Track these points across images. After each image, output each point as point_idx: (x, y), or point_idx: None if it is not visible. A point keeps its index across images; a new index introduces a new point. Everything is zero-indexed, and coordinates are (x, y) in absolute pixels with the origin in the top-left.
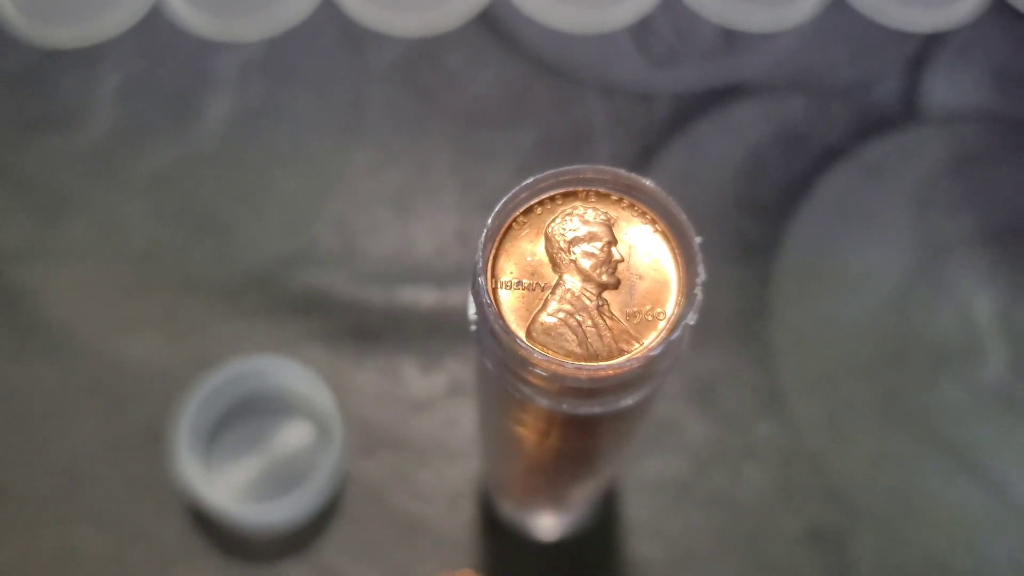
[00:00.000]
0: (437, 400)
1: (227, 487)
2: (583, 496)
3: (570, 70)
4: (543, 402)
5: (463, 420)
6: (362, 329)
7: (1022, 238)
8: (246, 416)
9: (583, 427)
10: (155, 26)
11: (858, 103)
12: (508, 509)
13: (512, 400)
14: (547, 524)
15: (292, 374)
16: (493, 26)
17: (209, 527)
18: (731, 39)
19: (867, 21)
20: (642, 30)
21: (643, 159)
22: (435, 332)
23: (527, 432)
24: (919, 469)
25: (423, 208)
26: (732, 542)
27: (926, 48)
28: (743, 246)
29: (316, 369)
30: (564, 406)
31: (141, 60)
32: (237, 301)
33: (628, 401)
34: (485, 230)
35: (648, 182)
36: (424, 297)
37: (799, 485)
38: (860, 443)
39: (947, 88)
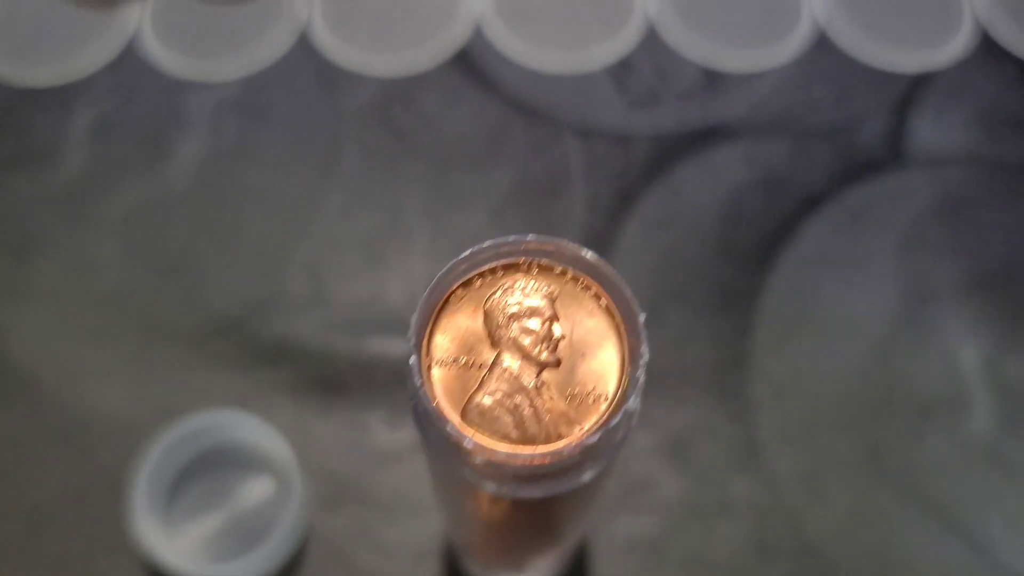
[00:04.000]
0: (404, 454)
1: (187, 544)
2: (546, 562)
3: (547, 111)
4: (486, 485)
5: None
6: (330, 380)
7: (1010, 285)
8: (207, 471)
9: (534, 506)
10: (128, 65)
11: (842, 146)
12: (474, 569)
13: (458, 480)
14: None
15: (253, 428)
16: (470, 66)
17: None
18: (712, 80)
19: (852, 62)
20: (621, 70)
21: (621, 203)
22: (403, 384)
23: (478, 508)
24: (900, 527)
25: (395, 254)
26: None
27: (912, 90)
28: (722, 294)
29: (281, 421)
30: (505, 490)
31: (114, 99)
32: (204, 348)
33: (572, 484)
34: (420, 304)
35: (591, 254)
36: (393, 347)
37: (775, 543)
38: (839, 499)
39: (933, 131)
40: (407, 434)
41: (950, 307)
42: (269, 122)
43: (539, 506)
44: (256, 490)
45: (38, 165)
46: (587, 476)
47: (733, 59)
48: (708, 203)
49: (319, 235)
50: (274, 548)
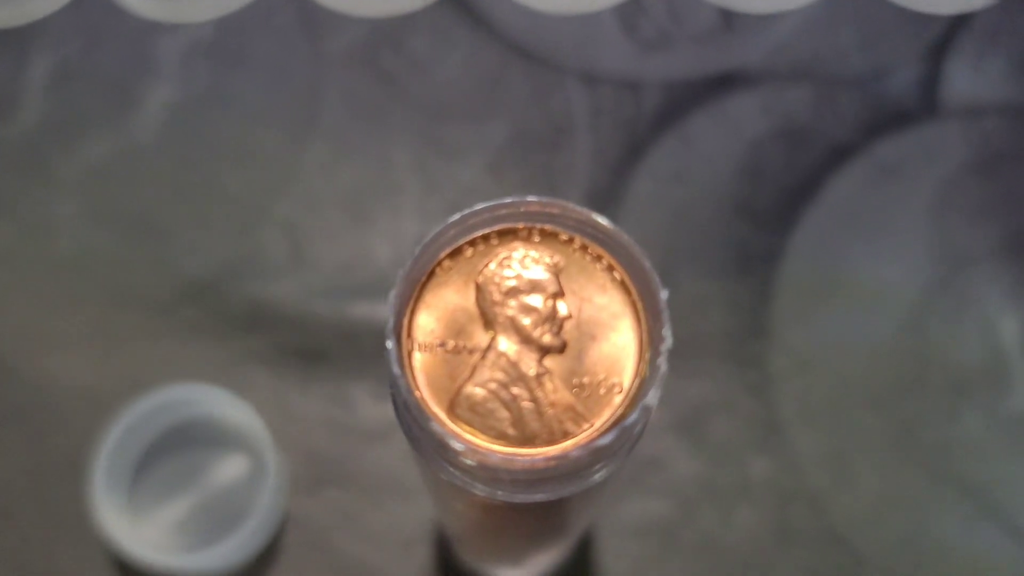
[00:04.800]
0: (392, 431)
1: (152, 531)
2: (548, 558)
3: (548, 55)
4: (477, 488)
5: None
6: (309, 349)
7: None
8: (175, 449)
9: (533, 510)
10: (91, 5)
11: (871, 94)
12: (468, 559)
13: (445, 483)
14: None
15: (223, 403)
16: (463, 5)
17: (135, 573)
18: (729, 21)
19: (882, 2)
20: (630, 10)
21: (629, 155)
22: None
23: (470, 510)
24: (933, 511)
25: (382, 211)
26: None
27: (948, 33)
28: (740, 257)
29: (257, 395)
30: (500, 495)
31: (75, 43)
32: (173, 316)
33: (579, 487)
34: (399, 278)
35: (605, 220)
36: (379, 313)
37: (798, 528)
38: (867, 481)
39: (972, 78)
40: (391, 413)
41: (988, 272)
42: (245, 68)
43: (540, 510)
44: (228, 471)
45: None
46: (596, 478)
47: None
48: (724, 156)
49: (298, 191)
50: (248, 535)
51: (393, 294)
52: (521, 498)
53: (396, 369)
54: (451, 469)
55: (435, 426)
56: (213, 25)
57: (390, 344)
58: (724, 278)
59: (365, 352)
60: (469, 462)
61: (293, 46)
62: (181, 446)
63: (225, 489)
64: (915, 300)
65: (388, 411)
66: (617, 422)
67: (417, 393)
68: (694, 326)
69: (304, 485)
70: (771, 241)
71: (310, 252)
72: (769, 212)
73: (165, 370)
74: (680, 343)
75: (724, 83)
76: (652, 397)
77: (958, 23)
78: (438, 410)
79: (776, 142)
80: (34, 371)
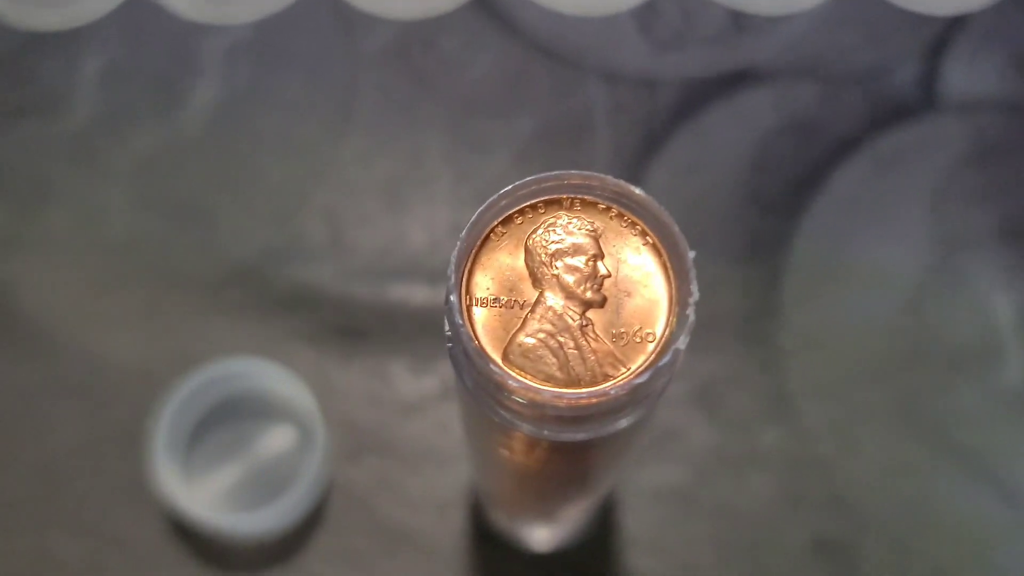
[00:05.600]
0: (428, 403)
1: (206, 494)
2: (577, 513)
3: (570, 54)
4: (524, 428)
5: (455, 424)
6: (350, 327)
7: None
8: (226, 420)
9: (571, 452)
10: (139, 8)
11: (873, 91)
12: (501, 520)
13: (493, 424)
14: (541, 536)
15: (274, 376)
16: (491, 8)
17: (188, 535)
18: (740, 22)
19: (884, 3)
20: (646, 12)
21: (646, 149)
22: (426, 331)
23: (512, 455)
24: (933, 478)
25: (416, 199)
26: (735, 554)
27: (946, 32)
28: (751, 242)
29: (300, 370)
30: (546, 432)
31: (124, 44)
32: (220, 296)
33: (616, 427)
34: (459, 242)
35: (639, 191)
36: (415, 294)
37: (806, 494)
38: (871, 450)
39: (968, 75)
40: (431, 383)
41: (984, 256)
42: (284, 66)
43: (577, 452)
44: (277, 440)
45: (46, 112)
46: (631, 419)
47: (761, 0)
48: (736, 149)
49: (336, 181)
50: (295, 500)
51: (453, 256)
52: (564, 437)
53: (459, 320)
54: (503, 412)
55: (493, 369)
56: (253, 26)
57: (453, 298)
58: (736, 262)
59: (402, 331)
60: (521, 401)
61: (330, 46)
62: (233, 417)
63: (274, 457)
64: (915, 282)
65: (425, 385)
66: (652, 364)
67: (476, 342)
68: (708, 306)
69: (346, 454)
70: (780, 227)
71: (348, 237)
72: (778, 200)
73: (213, 347)
74: (695, 322)
75: (736, 80)
76: (682, 342)
77: (955, 24)
78: (495, 356)
79: (784, 135)
80: (90, 349)
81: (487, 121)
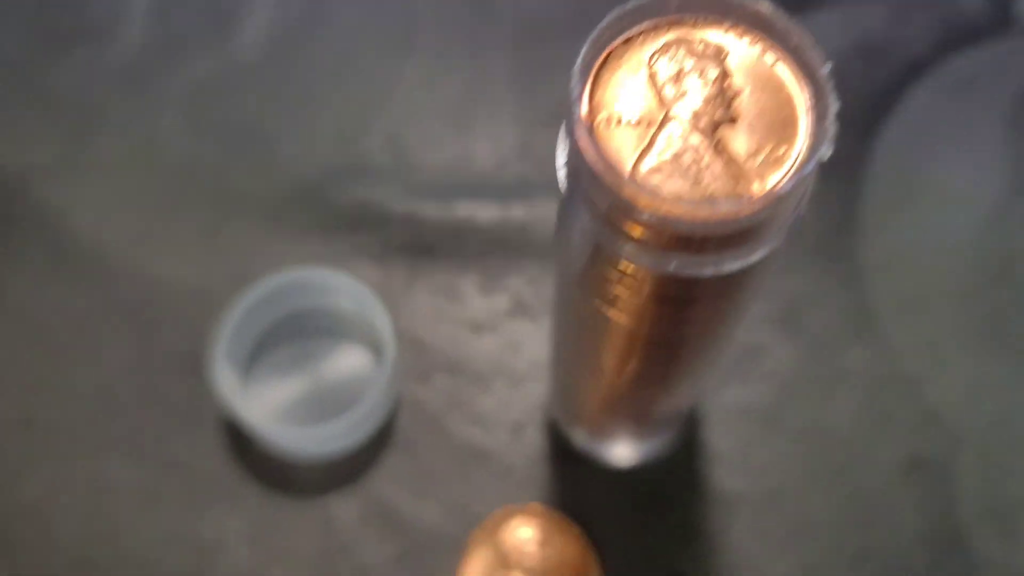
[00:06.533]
0: (498, 321)
1: (269, 407)
2: (665, 413)
3: None
4: (645, 260)
5: (527, 343)
6: (416, 245)
7: None
8: (291, 334)
9: (681, 303)
10: None
11: (944, 12)
12: (579, 437)
13: (605, 270)
14: (623, 452)
15: (341, 289)
16: None
17: (249, 457)
18: None
19: None
20: None
21: None
22: (496, 248)
23: (616, 315)
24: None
25: (481, 122)
26: (824, 474)
27: None
28: (829, 158)
29: (367, 286)
30: (671, 265)
31: None
32: (280, 217)
33: (740, 262)
34: (579, 58)
35: (766, 6)
36: (483, 212)
37: (895, 413)
38: (960, 368)
39: None
40: (501, 301)
41: None
42: None
43: (686, 304)
44: (345, 356)
45: (98, 39)
46: (761, 251)
47: None
48: None
49: (398, 104)
50: (365, 416)
51: (574, 71)
52: (690, 270)
53: (585, 134)
54: (624, 244)
55: (628, 182)
56: None
57: (577, 111)
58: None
59: (470, 247)
60: (652, 219)
61: None
62: (298, 331)
63: (341, 373)
64: (994, 201)
65: (495, 303)
66: (795, 174)
67: (602, 157)
68: None
69: (415, 373)
70: (856, 146)
71: (413, 157)
72: (852, 120)
73: (274, 267)
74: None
75: (803, 4)
76: (825, 150)
77: None
78: (623, 173)
79: (855, 59)
80: (146, 272)
81: (550, 43)
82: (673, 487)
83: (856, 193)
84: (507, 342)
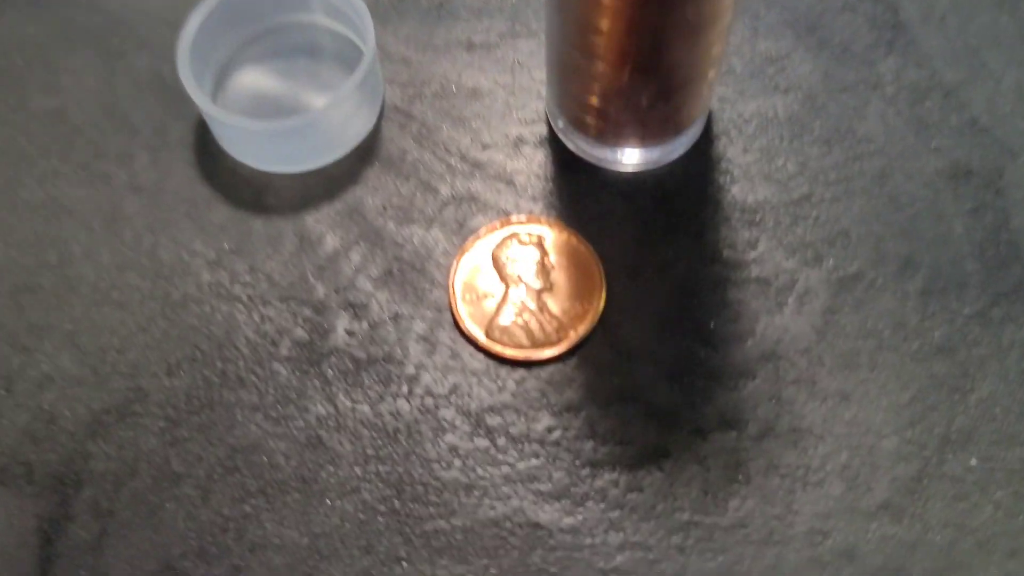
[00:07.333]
0: (494, 41)
1: (240, 102)
2: (668, 112)
3: None
4: None
5: (528, 63)
6: None
7: None
8: (266, 54)
9: None
10: None
11: None
12: (585, 145)
13: None
14: (631, 157)
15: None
16: None
17: (218, 179)
18: None
19: None
20: None
21: None
22: None
23: None
24: None
25: None
26: (860, 182)
27: None
28: None
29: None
30: None
31: None
32: None
33: None
34: None
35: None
36: None
37: (936, 122)
38: (1006, 76)
39: None
40: (498, 22)
41: None
42: None
43: None
44: (325, 75)
45: None
46: None
47: None
48: None
49: None
50: (350, 89)
51: None
52: None
53: None
54: None
55: None
56: None
57: None
58: None
59: None
60: None
61: None
62: (275, 51)
63: (321, 92)
64: None
65: (493, 23)
66: None
67: None
68: None
69: (403, 92)
70: None
71: None
72: None
73: None
74: None
75: None
76: None
77: None
78: None
79: None
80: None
81: None
82: (689, 202)
83: None
84: (500, 61)
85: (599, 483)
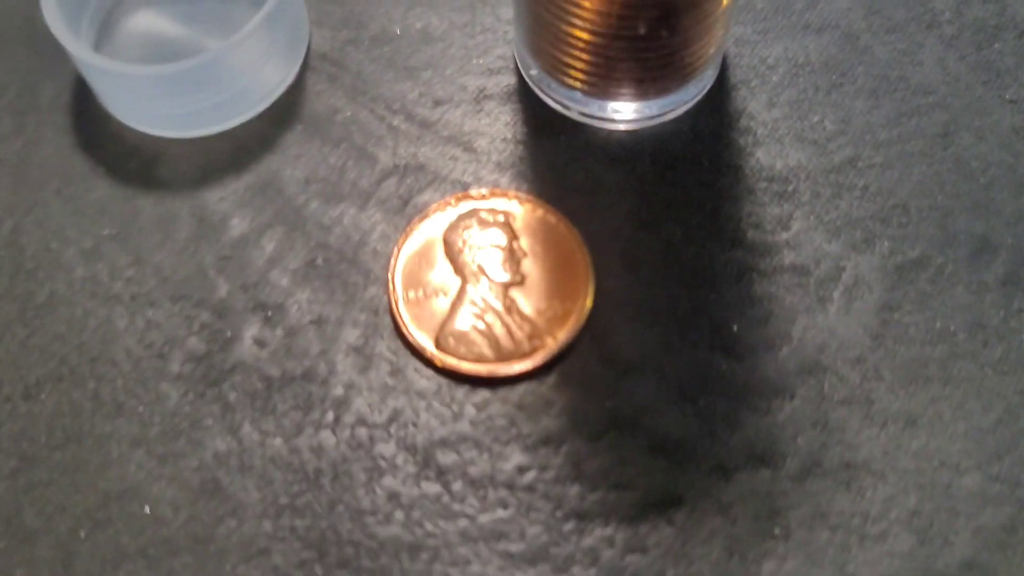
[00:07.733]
0: None
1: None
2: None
3: None
4: None
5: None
6: None
7: None
8: None
9: None
10: None
11: None
12: (563, 98)
13: None
14: (626, 112)
15: None
16: None
17: (99, 149)
18: None
19: None
20: None
21: None
22: None
23: None
24: None
25: None
26: (917, 143)
27: None
28: None
29: None
30: None
31: None
32: None
33: None
34: None
35: None
36: None
37: (1010, 67)
38: None
39: None
40: None
41: None
42: None
43: None
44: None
45: None
46: None
47: None
48: None
49: None
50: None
51: None
52: None
53: None
54: None
55: None
56: None
57: None
58: None
59: None
60: None
61: None
62: None
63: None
64: None
65: None
66: None
67: None
68: None
69: (331, 40)
70: None
71: None
72: None
73: None
74: None
75: None
76: None
77: None
78: None
79: None
80: None
81: None
82: (701, 169)
83: None
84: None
85: (588, 541)
